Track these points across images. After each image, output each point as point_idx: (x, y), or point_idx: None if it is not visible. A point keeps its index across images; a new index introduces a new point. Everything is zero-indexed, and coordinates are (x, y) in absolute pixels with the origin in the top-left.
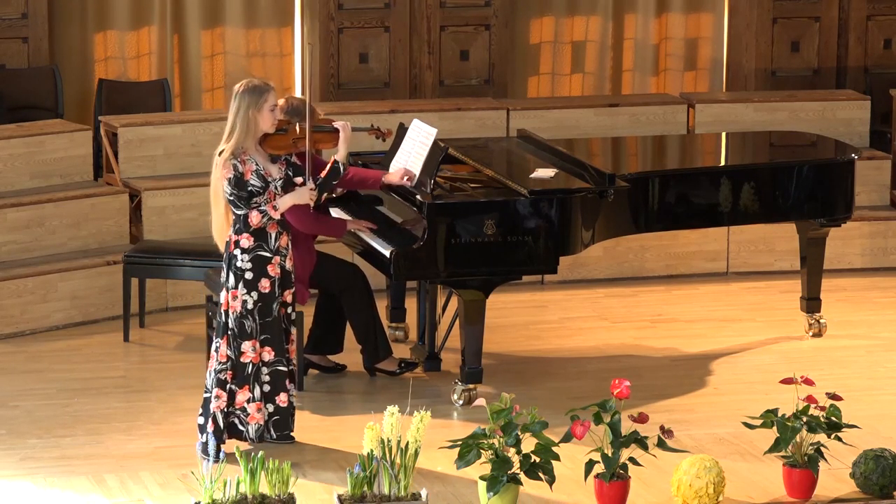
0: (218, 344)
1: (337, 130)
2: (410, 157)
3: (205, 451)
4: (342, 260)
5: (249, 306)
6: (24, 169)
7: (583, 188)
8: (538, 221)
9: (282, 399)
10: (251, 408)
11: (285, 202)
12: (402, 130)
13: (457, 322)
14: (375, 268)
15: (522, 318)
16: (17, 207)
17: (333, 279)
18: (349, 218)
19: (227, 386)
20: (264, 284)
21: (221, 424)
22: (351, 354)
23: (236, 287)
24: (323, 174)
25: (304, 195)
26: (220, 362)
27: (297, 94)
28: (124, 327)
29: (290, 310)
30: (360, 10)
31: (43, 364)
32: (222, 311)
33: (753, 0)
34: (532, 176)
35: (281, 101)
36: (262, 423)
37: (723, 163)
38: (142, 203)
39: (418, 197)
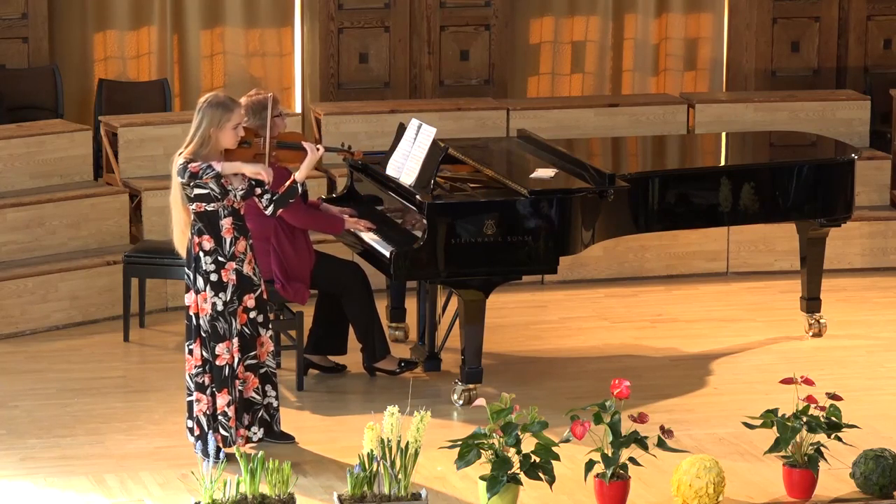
0: (191, 347)
1: (302, 149)
2: (408, 157)
3: (204, 451)
4: (342, 259)
5: (220, 308)
6: (24, 169)
7: (583, 188)
8: (538, 221)
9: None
10: (231, 411)
11: (235, 167)
12: (401, 130)
13: (457, 322)
14: (375, 268)
15: (522, 318)
16: (17, 207)
17: (334, 279)
18: (347, 217)
19: (209, 389)
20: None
21: (206, 427)
22: (351, 354)
23: (204, 290)
24: (281, 190)
25: (253, 171)
26: (197, 366)
27: (298, 94)
28: (124, 327)
29: (254, 314)
30: (360, 10)
31: (43, 364)
32: (191, 314)
33: (753, 0)
34: (532, 176)
35: (244, 99)
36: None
37: (723, 163)
38: (142, 203)
39: (418, 197)
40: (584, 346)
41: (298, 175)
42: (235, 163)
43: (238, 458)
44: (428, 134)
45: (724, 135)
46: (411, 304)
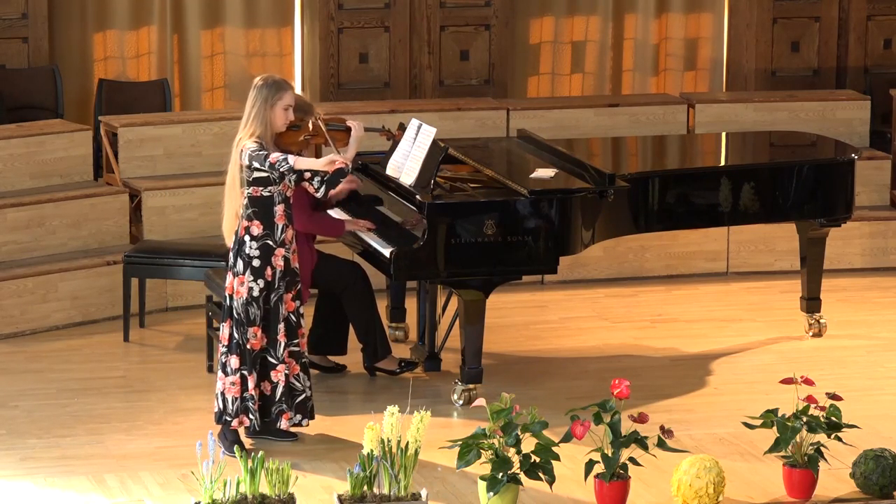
0: (222, 326)
1: (349, 129)
2: (408, 157)
3: (223, 440)
4: (343, 259)
5: (255, 293)
6: (24, 169)
7: (583, 188)
8: (538, 221)
9: (265, 387)
10: (255, 393)
11: (308, 162)
12: (400, 130)
13: (457, 322)
14: (375, 268)
15: (522, 318)
16: (17, 207)
17: (334, 279)
18: (348, 218)
19: (238, 372)
20: (268, 273)
21: (220, 406)
22: (351, 354)
23: (244, 273)
24: (331, 171)
25: (326, 162)
26: (224, 345)
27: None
28: (124, 327)
29: (297, 304)
30: (360, 10)
31: (43, 364)
32: (226, 295)
33: (753, 0)
34: (532, 176)
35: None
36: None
37: (723, 163)
38: (142, 203)
39: (418, 197)
40: (584, 346)
41: (348, 154)
42: (308, 159)
43: (238, 459)
44: (428, 134)
45: (724, 135)
46: (411, 304)
